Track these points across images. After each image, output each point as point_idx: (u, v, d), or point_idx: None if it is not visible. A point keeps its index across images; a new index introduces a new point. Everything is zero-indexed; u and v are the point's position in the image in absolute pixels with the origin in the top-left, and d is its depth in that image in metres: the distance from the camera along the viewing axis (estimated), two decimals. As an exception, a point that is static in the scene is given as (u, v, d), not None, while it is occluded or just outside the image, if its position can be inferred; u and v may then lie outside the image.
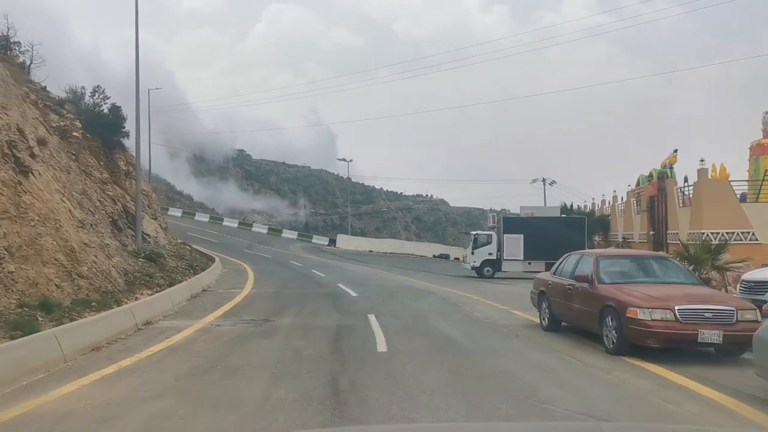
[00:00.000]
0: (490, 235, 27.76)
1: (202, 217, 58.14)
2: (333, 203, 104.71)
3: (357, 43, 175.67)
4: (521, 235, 26.72)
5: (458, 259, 47.15)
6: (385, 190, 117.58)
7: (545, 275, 11.44)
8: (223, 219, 59.63)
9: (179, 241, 31.50)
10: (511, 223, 27.99)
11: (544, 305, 10.70)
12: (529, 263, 26.53)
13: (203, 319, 11.49)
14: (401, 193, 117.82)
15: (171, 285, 15.05)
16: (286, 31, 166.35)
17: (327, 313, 12.64)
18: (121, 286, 13.54)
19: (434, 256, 47.91)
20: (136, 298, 12.75)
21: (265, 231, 56.97)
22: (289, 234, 57.53)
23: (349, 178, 67.59)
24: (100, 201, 18.47)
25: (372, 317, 11.68)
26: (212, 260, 27.61)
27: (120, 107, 23.66)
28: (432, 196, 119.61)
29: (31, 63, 22.22)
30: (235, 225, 57.83)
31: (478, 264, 27.35)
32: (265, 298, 15.43)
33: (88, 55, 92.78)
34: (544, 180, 55.53)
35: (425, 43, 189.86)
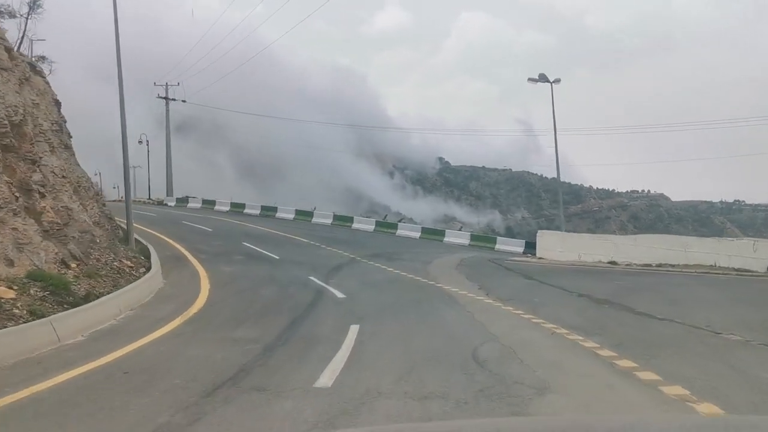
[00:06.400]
0: None
1: (324, 220, 39.34)
2: (538, 206, 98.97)
3: (548, 42, 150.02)
4: None
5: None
6: (594, 188, 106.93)
7: None
8: (353, 219, 39.49)
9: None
10: None
11: None
12: None
13: None
14: (613, 190, 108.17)
15: None
16: (476, 39, 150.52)
17: None
18: None
19: (774, 269, 20.26)
20: None
21: (417, 235, 35.23)
22: (455, 238, 34.27)
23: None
24: None
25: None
26: None
27: None
28: (649, 191, 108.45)
29: None
30: (371, 228, 37.09)
31: None
32: None
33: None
34: None
35: (620, 33, 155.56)
